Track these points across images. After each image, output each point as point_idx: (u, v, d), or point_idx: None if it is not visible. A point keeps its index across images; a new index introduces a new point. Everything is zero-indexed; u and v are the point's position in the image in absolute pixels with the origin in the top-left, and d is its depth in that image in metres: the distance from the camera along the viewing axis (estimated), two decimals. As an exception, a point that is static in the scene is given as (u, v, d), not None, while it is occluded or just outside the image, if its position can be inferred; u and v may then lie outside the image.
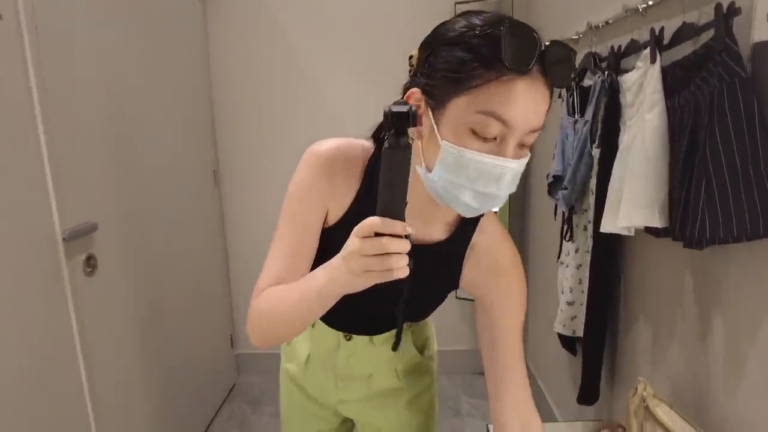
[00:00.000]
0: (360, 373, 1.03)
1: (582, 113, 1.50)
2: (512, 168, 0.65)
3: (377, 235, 0.57)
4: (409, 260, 0.59)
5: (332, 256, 0.66)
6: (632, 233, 1.17)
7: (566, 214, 1.59)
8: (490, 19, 0.64)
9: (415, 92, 0.69)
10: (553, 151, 1.69)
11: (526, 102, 0.62)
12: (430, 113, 0.67)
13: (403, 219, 0.57)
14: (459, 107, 0.64)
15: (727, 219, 0.88)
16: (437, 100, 0.66)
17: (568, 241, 1.59)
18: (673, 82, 1.05)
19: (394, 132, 0.55)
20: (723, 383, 1.04)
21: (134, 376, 1.68)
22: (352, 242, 0.59)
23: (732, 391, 1.01)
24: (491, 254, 0.84)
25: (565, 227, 1.60)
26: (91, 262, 1.41)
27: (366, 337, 0.99)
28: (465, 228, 0.84)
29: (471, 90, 0.62)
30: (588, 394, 1.51)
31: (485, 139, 0.64)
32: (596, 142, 1.35)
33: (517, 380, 0.84)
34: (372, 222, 0.57)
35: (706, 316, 1.09)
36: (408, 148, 0.55)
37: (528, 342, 2.51)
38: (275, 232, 0.82)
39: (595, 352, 1.48)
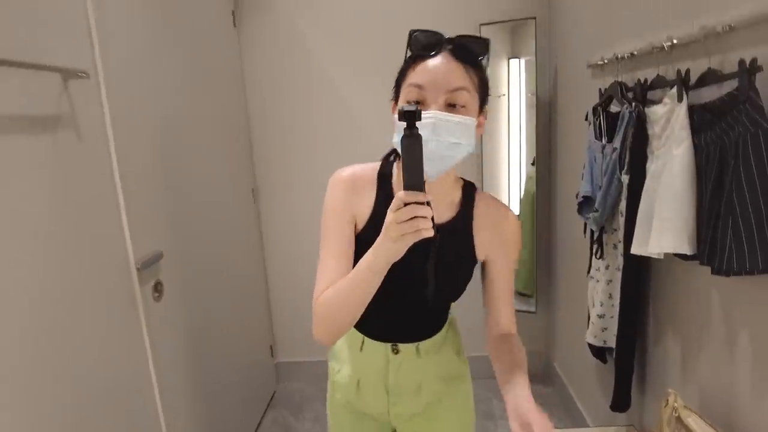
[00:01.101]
0: (410, 385, 1.12)
1: (609, 138, 1.59)
2: (438, 116, 0.85)
3: (406, 205, 0.73)
4: (433, 223, 0.75)
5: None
6: (662, 257, 1.25)
7: (596, 234, 1.68)
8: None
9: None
10: (581, 171, 1.78)
11: (436, 71, 0.88)
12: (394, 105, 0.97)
13: (423, 191, 0.73)
14: (401, 93, 0.92)
15: (753, 253, 0.97)
16: (395, 96, 0.97)
17: (599, 258, 1.68)
18: (700, 121, 1.13)
19: (407, 125, 0.71)
20: (751, 393, 1.12)
21: (191, 390, 1.80)
22: (389, 217, 0.76)
23: (760, 400, 1.09)
24: (488, 215, 1.05)
25: (596, 246, 1.68)
26: (158, 288, 1.54)
27: (412, 348, 1.10)
28: (466, 205, 1.04)
29: (405, 77, 0.92)
30: (621, 402, 1.60)
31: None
32: (625, 169, 1.44)
33: (505, 303, 1.08)
34: (400, 195, 0.74)
35: (733, 330, 1.17)
36: (419, 136, 0.72)
37: (559, 350, 2.61)
38: (321, 247, 1.00)
39: (627, 362, 1.57)
